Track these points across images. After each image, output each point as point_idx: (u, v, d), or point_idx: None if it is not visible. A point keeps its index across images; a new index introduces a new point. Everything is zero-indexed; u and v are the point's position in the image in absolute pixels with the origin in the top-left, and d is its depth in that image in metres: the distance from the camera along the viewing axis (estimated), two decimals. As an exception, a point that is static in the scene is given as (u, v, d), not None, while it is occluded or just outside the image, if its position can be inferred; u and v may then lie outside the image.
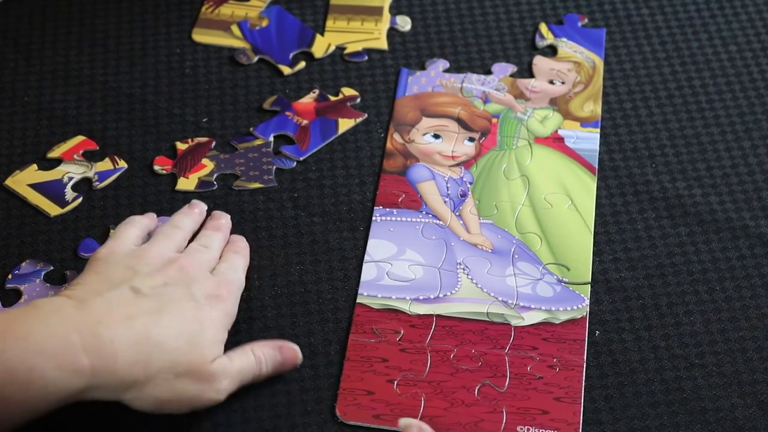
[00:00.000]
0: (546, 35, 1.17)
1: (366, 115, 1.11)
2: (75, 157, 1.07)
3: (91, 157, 1.07)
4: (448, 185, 1.05)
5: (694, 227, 1.02)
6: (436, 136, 1.09)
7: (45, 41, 1.16)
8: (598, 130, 1.09)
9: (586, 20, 1.19)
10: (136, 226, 0.97)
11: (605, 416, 0.90)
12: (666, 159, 1.07)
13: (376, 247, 1.01)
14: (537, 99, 1.12)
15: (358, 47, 1.17)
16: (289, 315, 0.96)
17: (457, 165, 1.07)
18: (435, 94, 1.12)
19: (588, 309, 0.96)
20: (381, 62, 1.15)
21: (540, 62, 1.15)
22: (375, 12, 1.20)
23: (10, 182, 1.05)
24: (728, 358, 0.93)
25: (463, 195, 1.04)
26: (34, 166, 1.06)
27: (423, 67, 1.14)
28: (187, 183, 1.05)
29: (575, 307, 0.96)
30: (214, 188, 1.05)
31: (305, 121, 1.10)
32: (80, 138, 1.08)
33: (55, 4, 1.19)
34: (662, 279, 0.98)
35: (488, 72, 1.14)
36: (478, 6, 1.20)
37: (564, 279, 0.98)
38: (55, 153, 1.07)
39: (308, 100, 1.12)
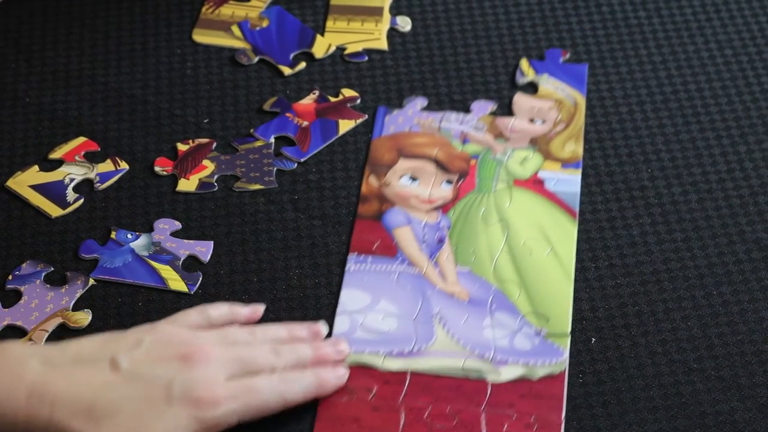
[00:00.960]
0: (527, 72, 1.14)
1: (366, 116, 1.11)
2: (76, 158, 1.07)
3: (92, 158, 1.07)
4: (425, 231, 1.02)
5: (690, 233, 1.02)
6: (413, 179, 1.06)
7: (46, 42, 1.17)
8: (580, 171, 1.06)
9: (568, 55, 1.16)
10: (203, 314, 0.93)
11: (603, 423, 0.90)
12: (662, 164, 1.07)
13: (350, 297, 0.97)
14: (517, 139, 1.09)
15: (359, 48, 1.17)
16: (287, 319, 0.97)
17: (435, 209, 1.04)
18: (412, 134, 1.09)
19: (567, 363, 0.93)
20: (381, 63, 1.16)
21: (520, 100, 1.12)
22: (375, 12, 1.20)
23: (11, 183, 1.05)
24: (727, 363, 0.94)
25: (440, 241, 1.01)
26: (36, 167, 1.06)
27: (401, 105, 1.12)
28: (187, 184, 1.06)
29: (554, 361, 0.93)
30: (215, 189, 1.05)
31: (305, 123, 1.10)
32: (81, 139, 1.09)
33: (56, 4, 1.19)
34: (658, 285, 0.99)
35: (467, 109, 1.12)
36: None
37: (543, 330, 0.95)
38: (56, 154, 1.07)
39: (308, 101, 1.12)
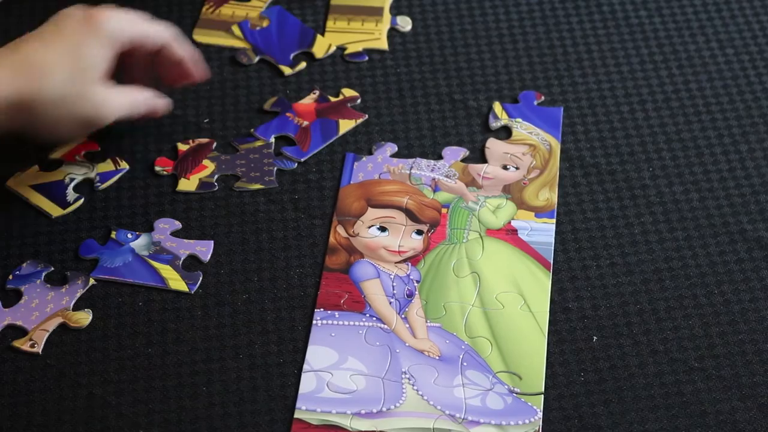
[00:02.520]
0: (500, 115, 1.11)
1: (366, 116, 1.11)
2: (77, 158, 1.07)
3: (92, 158, 1.07)
4: (394, 284, 0.99)
5: (691, 231, 1.02)
6: (382, 229, 1.02)
7: (46, 42, 1.16)
8: (554, 221, 1.03)
9: (542, 98, 1.13)
10: None
11: (604, 421, 0.90)
12: (663, 162, 1.07)
13: (316, 354, 0.94)
14: (489, 186, 1.05)
15: (359, 48, 1.17)
16: (287, 319, 0.97)
17: (404, 261, 1.00)
18: (381, 182, 1.06)
19: (541, 422, 0.91)
20: (381, 63, 1.16)
21: (493, 145, 1.08)
22: (375, 12, 1.20)
23: (11, 183, 1.05)
24: (727, 362, 0.94)
25: (410, 295, 0.98)
26: (36, 167, 1.06)
27: (370, 152, 1.08)
28: (188, 184, 1.06)
29: (527, 421, 0.90)
30: (215, 189, 1.05)
31: (306, 122, 1.10)
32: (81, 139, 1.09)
33: (56, 4, 1.19)
34: (660, 283, 0.99)
35: (439, 156, 1.08)
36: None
37: (516, 389, 0.92)
38: (56, 154, 1.07)
39: (308, 101, 1.12)
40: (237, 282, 0.99)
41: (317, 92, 1.13)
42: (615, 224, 1.03)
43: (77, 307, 0.97)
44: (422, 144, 1.09)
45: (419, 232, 1.02)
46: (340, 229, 1.02)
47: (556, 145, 1.08)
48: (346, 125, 1.10)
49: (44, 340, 0.95)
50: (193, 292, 0.98)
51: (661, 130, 1.10)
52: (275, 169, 1.07)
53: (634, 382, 0.92)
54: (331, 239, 1.01)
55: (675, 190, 1.05)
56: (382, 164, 1.07)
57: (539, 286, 0.98)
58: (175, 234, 1.02)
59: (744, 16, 1.19)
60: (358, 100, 1.12)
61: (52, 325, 0.96)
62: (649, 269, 1.00)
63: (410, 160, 1.07)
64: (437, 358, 0.94)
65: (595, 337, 0.95)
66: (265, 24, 1.19)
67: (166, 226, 1.03)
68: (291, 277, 0.99)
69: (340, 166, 1.07)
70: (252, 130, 1.09)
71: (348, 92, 1.13)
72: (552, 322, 0.96)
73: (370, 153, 1.08)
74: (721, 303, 0.97)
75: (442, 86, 1.14)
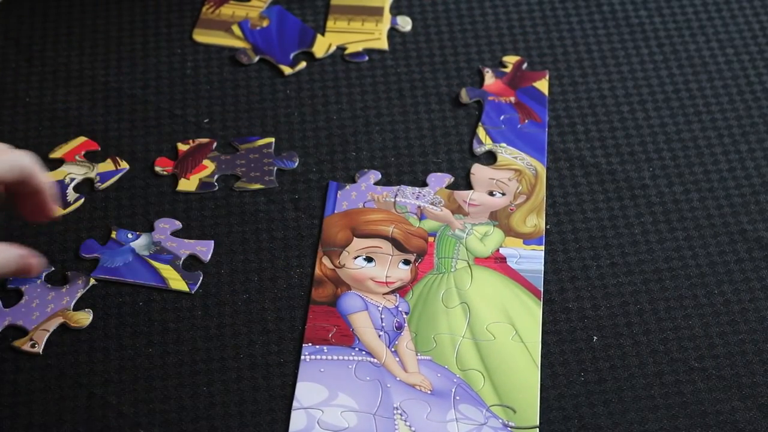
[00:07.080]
0: (484, 140, 1.09)
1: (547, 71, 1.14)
2: (77, 158, 1.07)
3: (92, 158, 1.07)
4: (383, 316, 0.96)
5: (692, 231, 1.02)
6: (369, 260, 1.00)
7: (46, 42, 1.16)
8: (542, 248, 1.01)
9: (527, 121, 1.12)
10: None
11: (604, 421, 0.90)
12: (663, 162, 1.07)
13: (306, 391, 0.92)
14: (476, 213, 1.03)
15: (359, 48, 1.17)
16: (288, 319, 0.97)
17: (392, 292, 0.98)
18: (366, 211, 1.03)
19: None
20: (381, 63, 1.16)
21: (478, 171, 1.07)
22: (375, 12, 1.20)
23: (12, 183, 1.05)
24: (728, 362, 0.94)
25: (399, 327, 0.95)
26: (36, 167, 1.06)
27: (353, 180, 1.06)
28: (188, 184, 1.06)
29: None
30: (215, 189, 1.05)
31: (512, 98, 1.12)
32: (82, 139, 1.08)
33: (56, 4, 1.19)
34: (660, 284, 0.99)
35: (423, 184, 1.07)
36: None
37: (510, 423, 0.90)
38: (56, 154, 1.07)
39: (490, 80, 1.13)
40: (237, 282, 0.99)
41: (489, 71, 1.14)
42: (615, 224, 1.03)
43: (78, 307, 0.97)
44: (422, 144, 1.09)
45: (406, 262, 1.00)
46: (326, 261, 1.00)
47: (542, 170, 1.06)
48: (543, 86, 1.12)
49: (45, 340, 0.95)
50: (193, 292, 0.98)
51: (661, 130, 1.10)
52: (275, 169, 1.07)
53: (634, 382, 0.92)
54: (317, 271, 0.99)
55: (675, 190, 1.05)
56: (366, 192, 1.05)
57: (530, 316, 0.96)
58: (176, 234, 1.02)
59: (744, 16, 1.19)
60: (525, 64, 1.15)
61: (53, 325, 0.96)
62: (649, 269, 1.00)
63: (395, 188, 1.05)
64: (429, 392, 0.92)
65: (595, 337, 0.95)
66: (265, 24, 1.19)
67: (166, 226, 1.03)
68: (291, 277, 0.99)
69: (341, 166, 1.07)
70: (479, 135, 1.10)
71: (510, 59, 1.15)
72: (552, 322, 0.96)
73: (354, 181, 1.06)
74: (721, 303, 0.98)
75: (442, 86, 1.14)
